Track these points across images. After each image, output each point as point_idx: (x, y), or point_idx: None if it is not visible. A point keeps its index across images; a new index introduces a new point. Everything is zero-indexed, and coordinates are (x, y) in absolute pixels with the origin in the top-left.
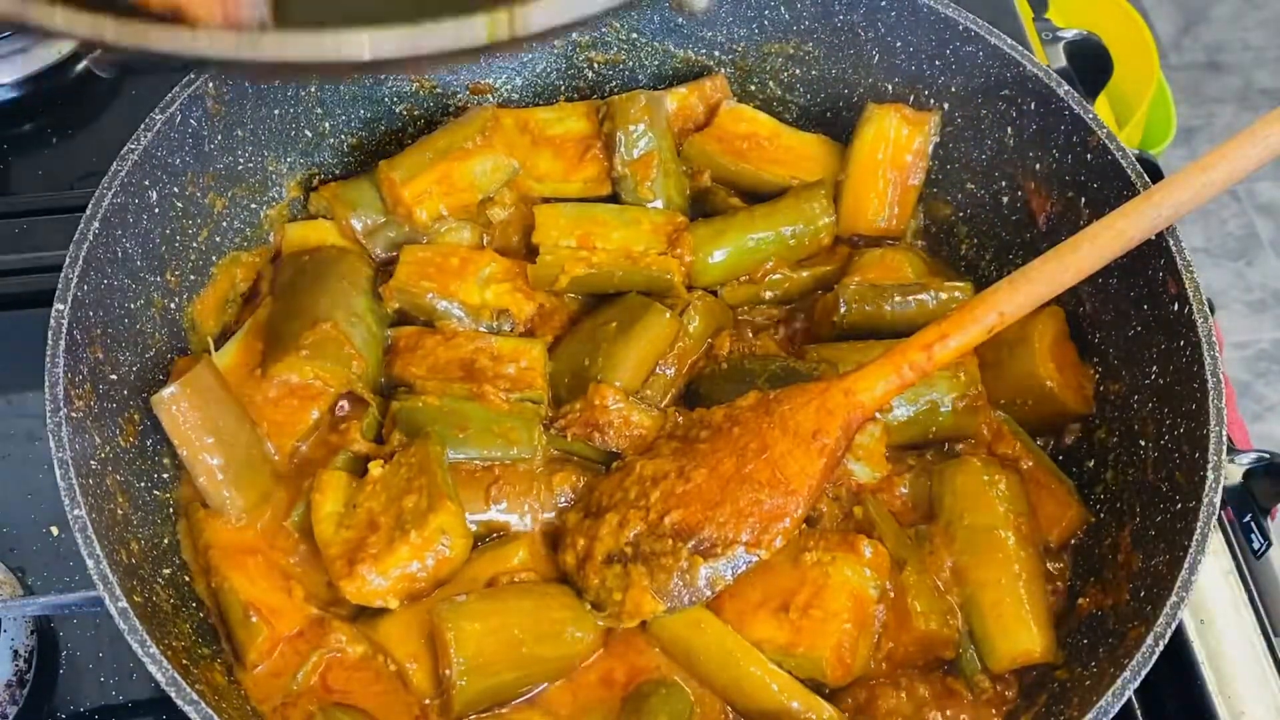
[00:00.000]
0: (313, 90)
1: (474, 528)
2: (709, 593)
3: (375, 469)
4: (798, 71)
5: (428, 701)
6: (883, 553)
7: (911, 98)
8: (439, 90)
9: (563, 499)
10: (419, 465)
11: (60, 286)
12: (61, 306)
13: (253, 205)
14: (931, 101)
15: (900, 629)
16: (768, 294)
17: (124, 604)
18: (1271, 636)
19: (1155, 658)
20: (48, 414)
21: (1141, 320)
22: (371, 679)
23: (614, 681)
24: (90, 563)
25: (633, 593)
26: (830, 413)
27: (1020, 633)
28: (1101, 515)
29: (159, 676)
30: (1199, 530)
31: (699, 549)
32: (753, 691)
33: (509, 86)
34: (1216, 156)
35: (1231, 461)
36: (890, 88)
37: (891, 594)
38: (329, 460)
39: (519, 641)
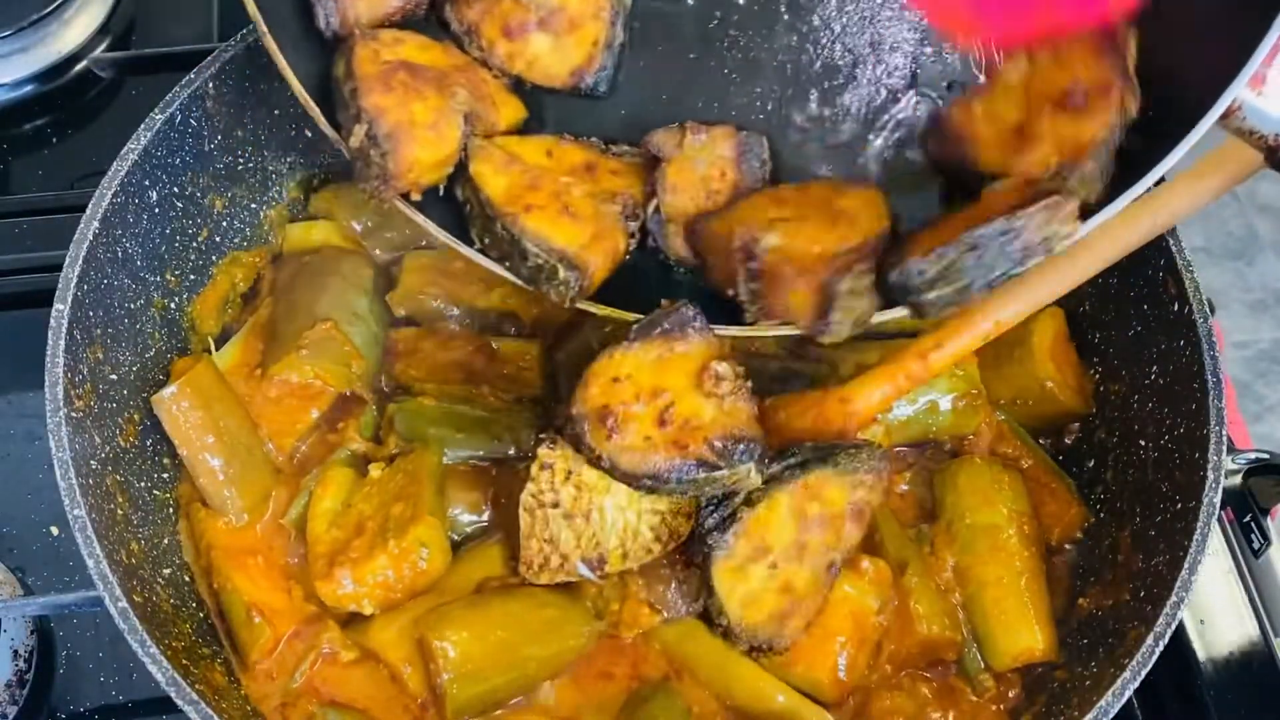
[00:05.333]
0: None
1: (470, 529)
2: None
3: (375, 470)
4: None
5: (421, 701)
6: (883, 568)
7: None
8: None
9: None
10: (413, 474)
11: (60, 286)
12: (61, 306)
13: (253, 205)
14: None
15: (902, 633)
16: None
17: (124, 604)
18: (1271, 636)
19: (1155, 658)
20: (48, 414)
21: (1141, 320)
22: (369, 678)
23: (613, 683)
24: (90, 563)
25: (630, 604)
26: (827, 421)
27: (1022, 631)
28: (1101, 515)
29: (159, 676)
30: (1199, 530)
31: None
32: (748, 696)
33: None
34: (1212, 163)
35: (1231, 461)
36: None
37: (894, 600)
38: (328, 459)
39: (509, 644)
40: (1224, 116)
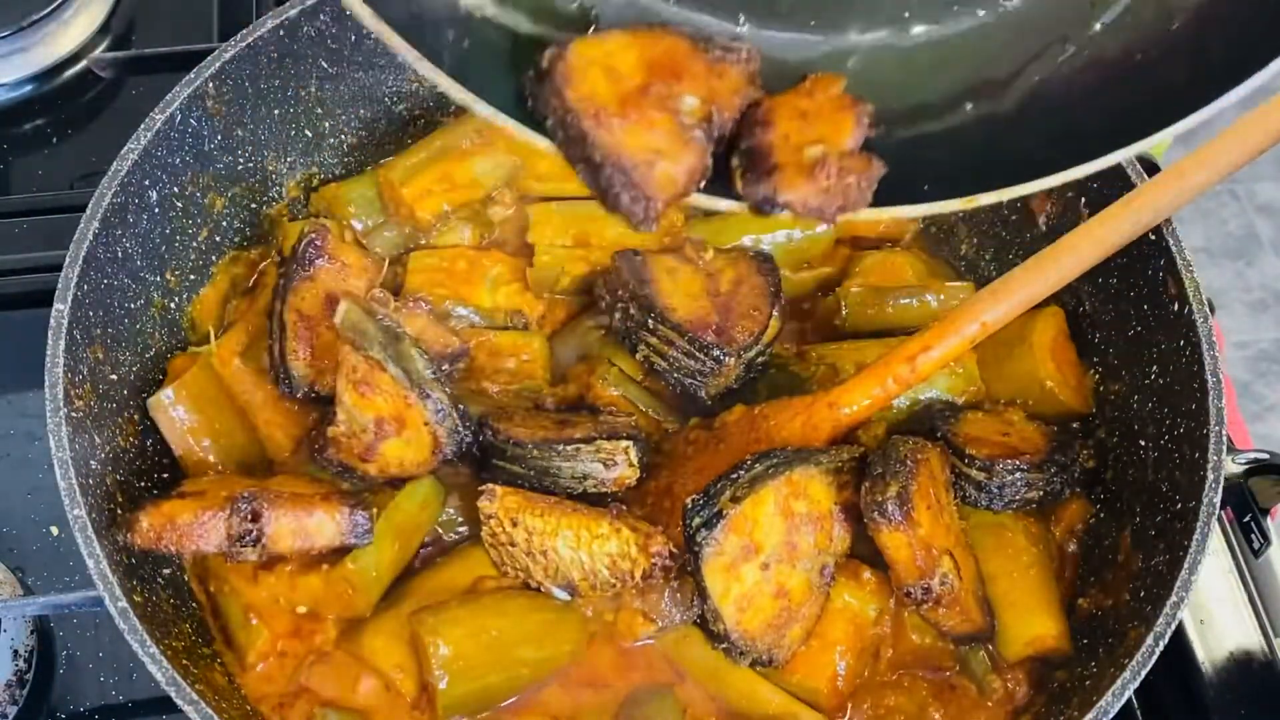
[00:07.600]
0: (312, 90)
1: (464, 529)
2: (701, 611)
3: None
4: None
5: (413, 700)
6: (883, 578)
7: None
8: (439, 90)
9: None
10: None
11: (60, 286)
12: (61, 306)
13: (253, 205)
14: None
15: (898, 639)
16: None
17: (124, 604)
18: (1271, 636)
19: (1155, 658)
20: (48, 414)
21: (1141, 320)
22: (364, 678)
23: (610, 685)
24: (90, 563)
25: (624, 614)
26: (815, 427)
27: (1033, 618)
28: (1101, 515)
29: (159, 676)
30: (1199, 530)
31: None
32: (743, 701)
33: None
34: (1194, 161)
35: (1231, 461)
36: None
37: (891, 608)
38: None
39: (501, 644)
40: None
